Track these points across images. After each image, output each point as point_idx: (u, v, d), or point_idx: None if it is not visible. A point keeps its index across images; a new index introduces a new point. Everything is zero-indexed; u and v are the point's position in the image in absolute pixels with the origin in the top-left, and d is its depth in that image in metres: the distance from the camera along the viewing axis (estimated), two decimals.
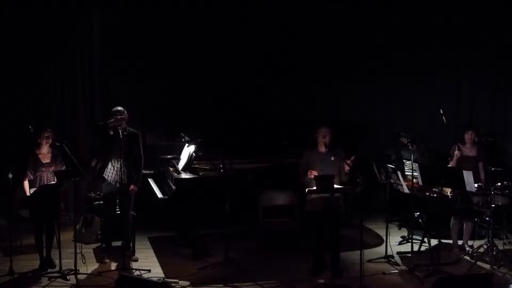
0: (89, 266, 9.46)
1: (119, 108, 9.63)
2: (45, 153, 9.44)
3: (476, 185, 9.36)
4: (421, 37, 13.00)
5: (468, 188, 9.09)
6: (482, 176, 9.98)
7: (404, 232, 11.18)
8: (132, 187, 9.59)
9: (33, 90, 12.21)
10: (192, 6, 12.30)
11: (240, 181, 10.23)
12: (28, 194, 9.32)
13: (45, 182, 9.36)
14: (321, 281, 9.00)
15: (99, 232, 10.66)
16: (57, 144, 9.33)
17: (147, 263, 9.76)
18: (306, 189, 8.93)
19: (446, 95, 13.07)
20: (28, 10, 11.92)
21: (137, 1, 12.24)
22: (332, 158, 9.11)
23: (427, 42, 13.04)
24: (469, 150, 10.09)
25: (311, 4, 12.66)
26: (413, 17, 12.88)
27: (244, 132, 11.37)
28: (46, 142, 9.40)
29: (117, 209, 9.96)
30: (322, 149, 9.13)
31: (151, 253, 10.31)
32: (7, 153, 11.64)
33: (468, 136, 10.07)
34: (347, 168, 8.98)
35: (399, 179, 9.68)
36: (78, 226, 10.34)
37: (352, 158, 8.97)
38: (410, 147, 9.85)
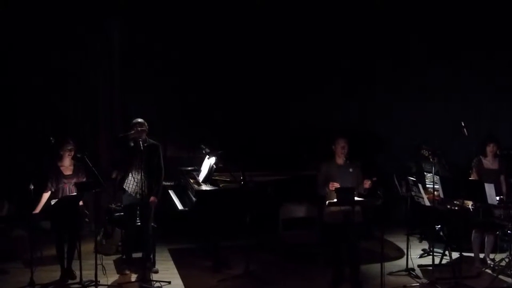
0: (110, 278, 9.46)
1: (139, 120, 9.64)
2: (67, 165, 9.49)
3: (497, 198, 9.28)
4: (444, 50, 12.97)
5: (489, 201, 9.00)
6: (504, 189, 9.91)
7: (425, 245, 11.13)
8: (152, 198, 9.58)
9: (54, 101, 12.26)
10: (215, 20, 12.34)
11: (260, 193, 10.22)
12: (40, 208, 9.34)
13: (68, 194, 9.40)
14: None
15: (119, 243, 10.68)
16: (78, 155, 9.37)
17: (167, 275, 9.75)
18: (326, 202, 8.91)
19: (467, 107, 13.01)
20: (52, 21, 12.00)
21: (157, 14, 12.28)
22: (351, 170, 9.08)
23: (450, 57, 13.02)
24: (490, 163, 10.04)
25: (331, 14, 12.67)
26: (435, 27, 12.87)
27: (264, 144, 11.38)
28: (69, 155, 9.45)
29: (138, 221, 9.97)
30: (341, 161, 9.09)
31: (171, 265, 10.31)
32: (29, 165, 11.72)
33: (490, 149, 10.01)
34: (367, 185, 8.94)
35: (420, 192, 9.64)
36: (98, 238, 10.38)
37: (374, 179, 8.92)
38: (431, 159, 9.83)
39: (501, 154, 10.13)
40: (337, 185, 8.84)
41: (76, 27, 12.12)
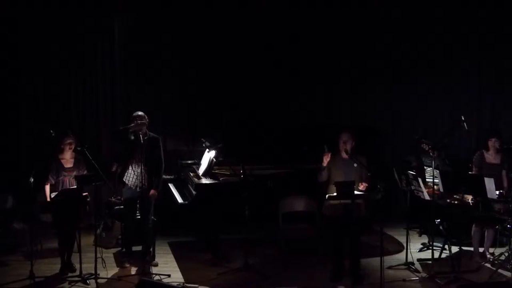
0: (109, 271, 9.47)
1: (140, 113, 9.63)
2: (67, 158, 9.48)
3: (497, 192, 9.29)
4: (444, 47, 12.96)
5: (489, 195, 9.02)
6: (505, 183, 9.91)
7: (425, 239, 11.12)
8: (152, 192, 9.60)
9: (54, 94, 12.26)
10: (215, 13, 12.32)
11: (260, 186, 10.22)
12: (48, 199, 9.36)
13: (68, 187, 9.39)
14: (341, 287, 8.99)
15: (119, 236, 10.68)
16: (78, 148, 9.37)
17: (167, 268, 9.77)
18: (327, 195, 8.92)
19: (467, 101, 13.00)
20: (51, 12, 11.99)
21: (158, 9, 12.27)
22: (355, 165, 9.08)
23: (451, 51, 13.01)
24: (492, 158, 10.03)
25: (335, 12, 12.67)
26: (438, 24, 12.86)
27: (265, 137, 11.36)
28: (69, 148, 9.44)
29: (138, 214, 9.97)
30: (344, 155, 9.11)
31: (171, 258, 10.32)
32: (29, 158, 11.72)
33: (491, 143, 10.00)
34: (361, 187, 8.93)
35: (419, 186, 9.63)
36: (98, 231, 10.38)
37: (366, 185, 8.92)
38: (431, 153, 9.83)
39: (503, 148, 10.12)
40: (327, 157, 8.88)
41: (78, 21, 12.11)
